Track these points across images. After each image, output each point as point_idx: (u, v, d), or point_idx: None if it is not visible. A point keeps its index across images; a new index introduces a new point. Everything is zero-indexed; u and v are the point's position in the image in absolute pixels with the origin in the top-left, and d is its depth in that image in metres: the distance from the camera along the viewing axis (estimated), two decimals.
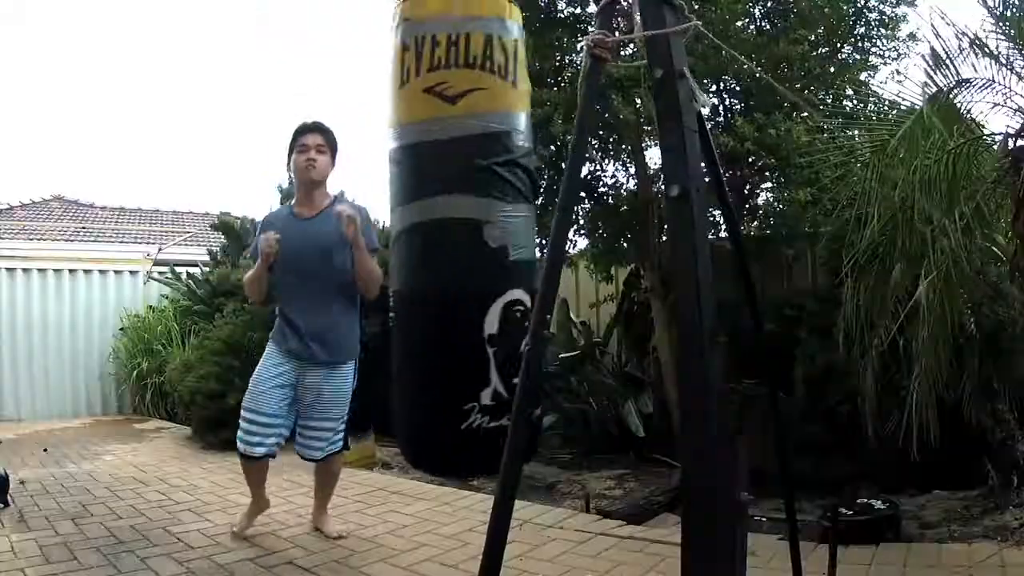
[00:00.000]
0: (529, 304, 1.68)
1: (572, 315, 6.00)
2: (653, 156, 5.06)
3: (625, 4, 1.53)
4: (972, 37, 3.03)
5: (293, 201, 3.08)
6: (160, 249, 9.33)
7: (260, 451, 2.97)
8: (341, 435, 3.08)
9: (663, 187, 1.48)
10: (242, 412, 3.00)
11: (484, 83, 1.68)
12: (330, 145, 2.98)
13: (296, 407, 3.03)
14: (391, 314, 1.92)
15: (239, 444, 2.99)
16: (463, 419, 1.64)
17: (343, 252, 2.86)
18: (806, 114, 4.56)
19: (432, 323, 1.74)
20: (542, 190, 5.12)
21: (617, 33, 1.52)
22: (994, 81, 3.01)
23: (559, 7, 4.98)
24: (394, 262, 1.89)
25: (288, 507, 3.69)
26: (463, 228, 1.68)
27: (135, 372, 7.72)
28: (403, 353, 1.85)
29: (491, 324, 1.66)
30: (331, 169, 3.03)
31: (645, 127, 4.58)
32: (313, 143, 2.93)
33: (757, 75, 3.99)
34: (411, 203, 1.74)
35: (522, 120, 1.75)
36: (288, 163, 3.02)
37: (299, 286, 2.94)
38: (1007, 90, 3.00)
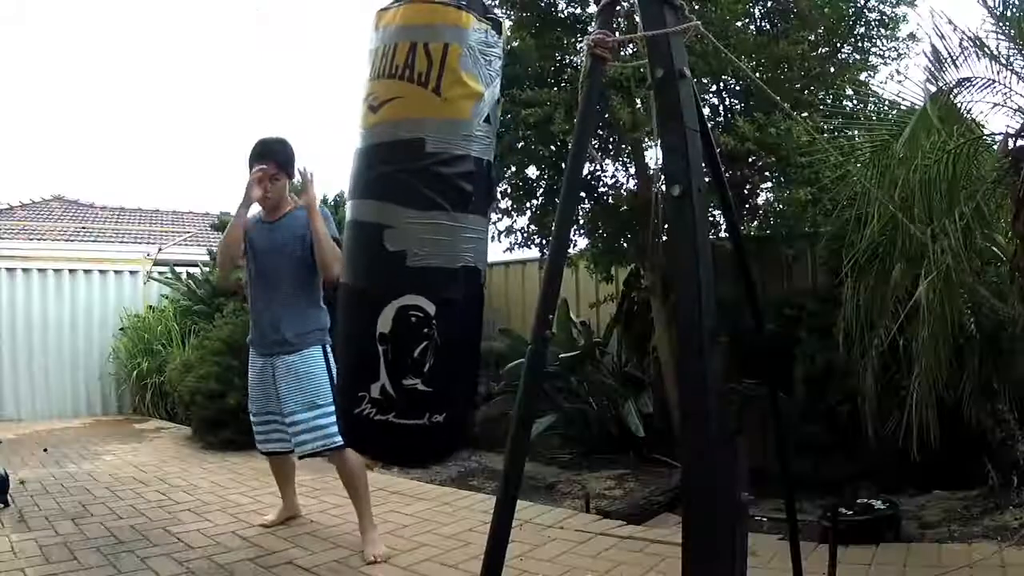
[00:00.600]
0: (432, 311, 1.72)
1: (572, 315, 6.00)
2: (653, 156, 5.06)
3: (626, 4, 1.53)
4: (972, 37, 3.03)
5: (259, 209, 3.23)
6: (160, 249, 9.33)
7: (266, 448, 3.25)
8: (333, 427, 2.88)
9: (663, 187, 1.48)
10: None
11: (402, 92, 1.73)
12: (281, 166, 3.09)
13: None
14: None
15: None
16: (356, 405, 1.76)
17: (302, 248, 3.03)
18: (806, 114, 4.56)
19: (341, 316, 1.91)
20: (542, 190, 5.13)
21: (617, 33, 1.52)
22: (994, 81, 3.01)
23: (559, 7, 4.97)
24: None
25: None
26: (367, 231, 1.76)
27: (135, 372, 7.72)
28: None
29: (383, 324, 1.74)
30: (286, 184, 3.18)
31: (645, 128, 4.58)
32: (266, 175, 3.04)
33: (754, 77, 3.99)
34: (347, 203, 1.89)
35: (447, 127, 1.73)
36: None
37: (261, 284, 3.13)
38: (1007, 90, 3.00)
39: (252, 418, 3.22)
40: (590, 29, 1.55)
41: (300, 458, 3.14)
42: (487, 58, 1.74)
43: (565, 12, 4.97)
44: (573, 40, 4.79)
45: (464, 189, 1.72)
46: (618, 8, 1.55)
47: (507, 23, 4.86)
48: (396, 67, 1.72)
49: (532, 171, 5.16)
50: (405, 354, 1.72)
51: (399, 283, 1.73)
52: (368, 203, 1.77)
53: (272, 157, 3.06)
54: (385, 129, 1.75)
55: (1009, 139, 2.97)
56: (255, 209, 3.17)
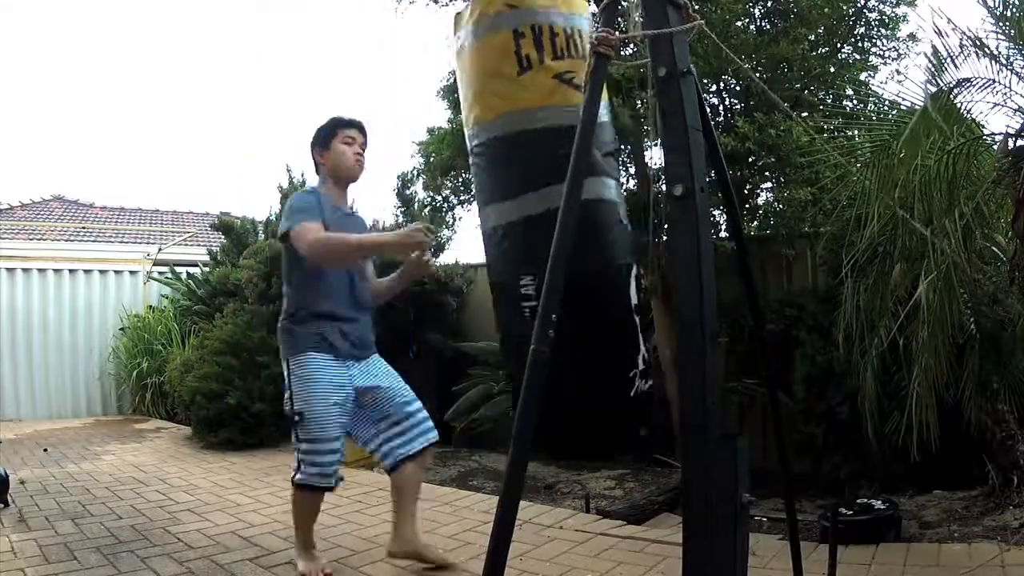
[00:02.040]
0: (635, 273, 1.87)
1: None
2: (654, 155, 5.07)
3: (628, 3, 1.53)
4: (972, 37, 3.04)
5: (323, 191, 2.71)
6: (160, 249, 9.33)
7: (335, 481, 2.65)
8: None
9: (664, 186, 1.48)
10: (306, 444, 2.55)
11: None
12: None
13: (363, 416, 2.70)
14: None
15: (314, 479, 2.58)
16: (630, 386, 1.77)
17: None
18: (806, 114, 4.56)
19: (589, 302, 1.76)
20: None
21: (619, 32, 1.52)
22: (994, 81, 3.01)
23: None
24: (516, 253, 1.86)
25: (288, 507, 3.68)
26: (607, 208, 1.83)
27: (135, 372, 7.73)
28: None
29: (633, 295, 1.86)
30: None
31: (645, 127, 4.57)
32: (360, 139, 2.71)
33: (755, 78, 3.99)
34: (553, 184, 1.69)
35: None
36: (320, 151, 2.70)
37: (347, 282, 2.66)
38: (1007, 90, 3.00)
39: (332, 444, 2.57)
40: (592, 28, 1.55)
41: (415, 456, 2.67)
42: (461, 62, 1.91)
43: None
44: None
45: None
46: (620, 7, 1.55)
47: None
48: (584, 52, 1.75)
49: None
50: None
51: (633, 252, 1.90)
52: (599, 180, 1.80)
53: (365, 132, 2.75)
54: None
55: (1009, 139, 2.97)
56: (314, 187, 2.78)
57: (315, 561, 2.71)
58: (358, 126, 2.72)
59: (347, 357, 2.61)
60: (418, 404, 2.75)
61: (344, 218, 2.69)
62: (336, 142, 2.67)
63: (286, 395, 2.61)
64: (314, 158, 2.74)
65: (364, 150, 2.74)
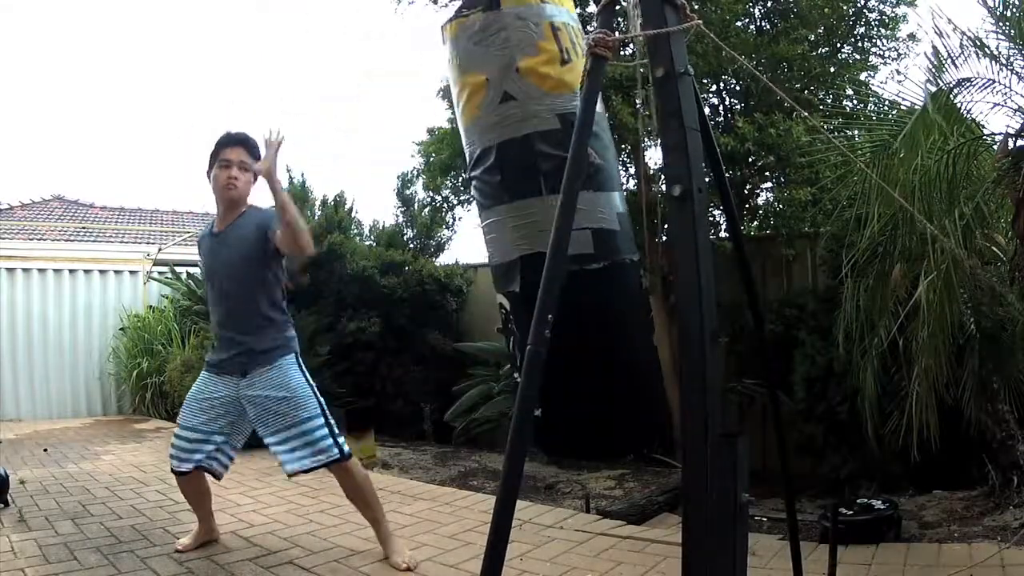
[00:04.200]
0: (508, 306, 1.88)
1: None
2: (653, 156, 5.06)
3: (626, 3, 1.53)
4: (972, 37, 3.03)
5: (215, 215, 2.91)
6: (160, 249, 9.32)
7: (184, 467, 2.85)
8: (328, 440, 2.72)
9: (663, 187, 1.48)
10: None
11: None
12: (256, 160, 2.72)
13: (241, 427, 2.91)
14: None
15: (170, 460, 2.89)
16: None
17: (259, 251, 2.72)
18: (806, 114, 4.56)
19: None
20: None
21: (618, 32, 1.52)
22: (994, 81, 3.01)
23: None
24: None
25: (288, 507, 3.70)
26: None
27: (135, 372, 7.72)
28: None
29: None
30: (252, 187, 2.84)
31: (646, 127, 4.58)
32: (236, 159, 2.73)
33: (757, 75, 3.99)
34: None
35: (469, 133, 1.92)
36: (208, 174, 2.81)
37: (218, 300, 2.83)
38: (1007, 90, 3.00)
39: (180, 431, 2.90)
40: (590, 28, 1.55)
41: (291, 474, 2.79)
42: (488, 39, 1.76)
43: None
44: None
45: (496, 182, 1.81)
46: (618, 7, 1.55)
47: None
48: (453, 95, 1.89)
49: None
50: (511, 349, 1.91)
51: (496, 286, 1.94)
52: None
53: (246, 146, 2.74)
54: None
55: (1009, 139, 2.97)
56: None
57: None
58: (235, 143, 2.76)
59: (219, 369, 2.86)
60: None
61: (209, 243, 2.88)
62: (214, 167, 2.78)
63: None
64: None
65: (244, 169, 2.76)
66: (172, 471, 2.91)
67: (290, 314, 2.96)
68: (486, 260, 2.08)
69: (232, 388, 2.81)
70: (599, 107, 1.80)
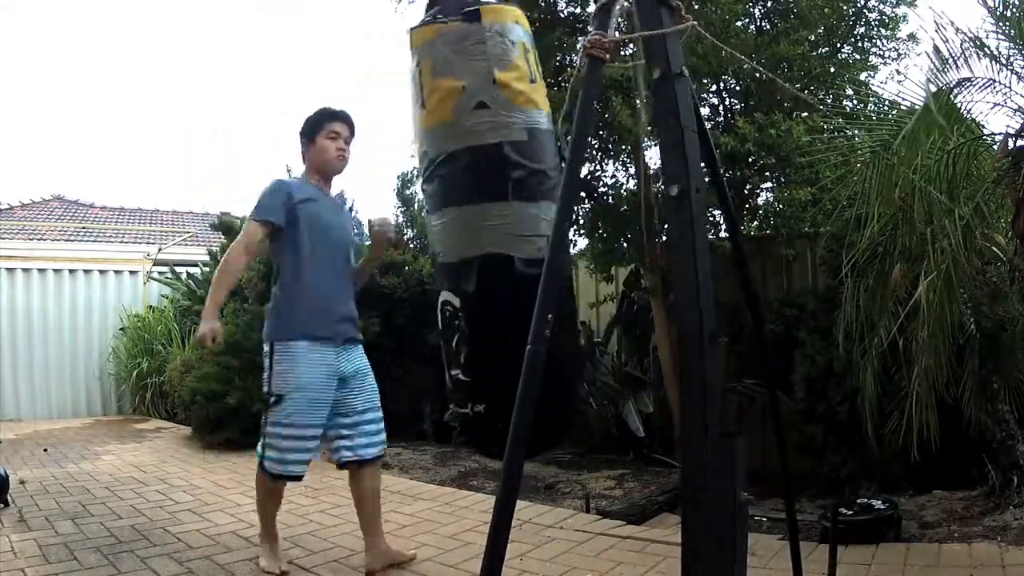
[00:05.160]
0: (457, 304, 1.90)
1: None
2: (653, 156, 5.06)
3: (623, 4, 1.53)
4: (972, 37, 3.03)
5: (304, 180, 2.82)
6: (160, 249, 9.33)
7: (303, 469, 2.67)
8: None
9: (663, 187, 1.48)
10: (280, 428, 2.59)
11: (414, 116, 1.97)
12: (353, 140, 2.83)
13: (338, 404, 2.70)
14: None
15: (278, 466, 2.61)
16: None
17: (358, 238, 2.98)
18: (806, 114, 4.55)
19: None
20: None
21: (616, 33, 1.52)
22: (994, 81, 3.01)
23: (559, 7, 4.97)
24: None
25: (288, 507, 3.68)
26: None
27: (135, 372, 7.73)
28: None
29: (440, 321, 1.99)
30: None
31: (645, 127, 4.58)
32: (344, 133, 2.77)
33: (758, 74, 3.98)
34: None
35: (435, 132, 1.91)
36: (307, 141, 2.76)
37: (331, 261, 2.71)
38: (1007, 90, 3.00)
39: (310, 432, 2.61)
40: (588, 29, 1.55)
41: (363, 462, 2.70)
42: (467, 48, 1.82)
43: (565, 12, 4.97)
44: (573, 40, 4.79)
45: (463, 183, 1.84)
46: (616, 8, 1.55)
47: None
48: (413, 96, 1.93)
49: None
50: (448, 346, 1.93)
51: (439, 281, 2.00)
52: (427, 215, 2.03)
53: (352, 125, 2.81)
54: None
55: (1009, 139, 2.97)
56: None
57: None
58: (345, 119, 2.78)
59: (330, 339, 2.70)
60: None
61: (314, 205, 2.70)
62: (321, 136, 2.75)
63: None
64: (301, 147, 2.81)
65: (348, 144, 2.81)
66: (294, 477, 2.67)
67: None
68: None
69: (333, 357, 2.67)
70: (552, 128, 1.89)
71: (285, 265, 2.69)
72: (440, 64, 1.83)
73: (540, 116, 1.86)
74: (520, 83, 1.82)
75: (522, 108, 1.82)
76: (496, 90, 1.80)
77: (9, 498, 3.74)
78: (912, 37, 4.93)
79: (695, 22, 1.51)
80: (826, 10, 4.74)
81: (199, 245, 9.64)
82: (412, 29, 1.91)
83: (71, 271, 8.38)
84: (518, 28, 1.88)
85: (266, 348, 2.67)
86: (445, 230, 1.91)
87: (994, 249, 3.36)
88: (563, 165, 1.52)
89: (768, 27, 4.96)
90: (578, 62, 1.57)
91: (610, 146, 5.05)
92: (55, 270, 8.28)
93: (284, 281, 2.68)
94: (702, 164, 1.54)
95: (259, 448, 2.68)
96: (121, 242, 10.09)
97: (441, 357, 1.98)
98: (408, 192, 9.30)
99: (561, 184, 1.46)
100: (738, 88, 4.97)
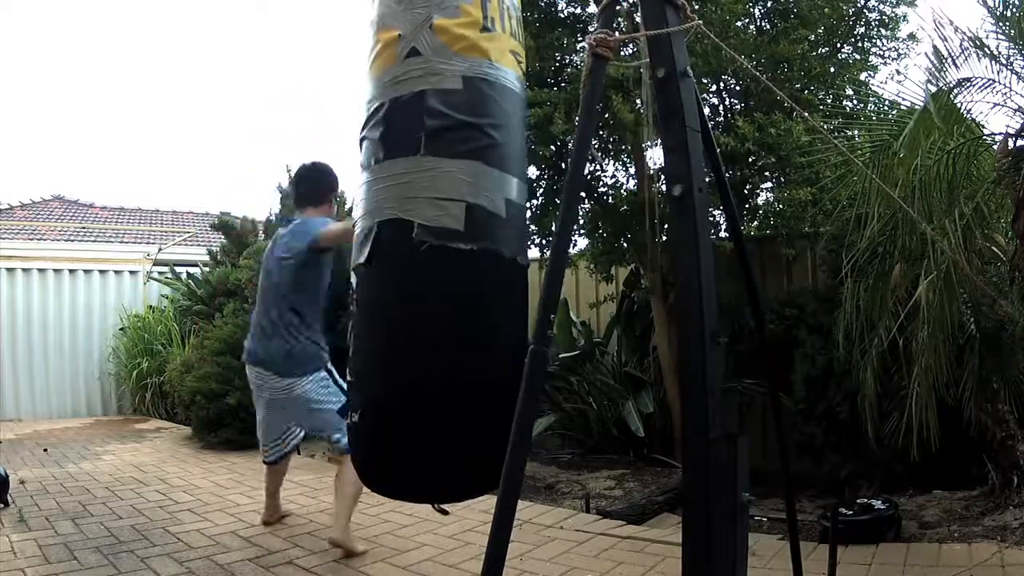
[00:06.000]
0: (355, 280, 1.66)
1: (572, 315, 6.00)
2: (653, 156, 5.06)
3: (627, 3, 1.53)
4: (972, 37, 3.03)
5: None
6: (160, 249, 9.33)
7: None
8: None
9: (663, 186, 1.48)
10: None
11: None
12: None
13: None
14: None
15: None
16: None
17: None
18: (806, 114, 4.55)
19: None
20: (542, 190, 5.13)
21: (619, 32, 1.52)
22: (994, 81, 3.01)
23: (559, 7, 4.97)
24: None
25: (287, 507, 3.69)
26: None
27: (135, 372, 7.72)
28: None
29: None
30: None
31: (645, 128, 4.57)
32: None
33: (757, 76, 3.98)
34: None
35: (373, 84, 1.70)
36: (330, 201, 3.30)
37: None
38: (1007, 90, 3.00)
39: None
40: (591, 29, 1.55)
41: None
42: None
43: (565, 12, 4.97)
44: (573, 40, 4.79)
45: (374, 141, 1.63)
46: (619, 7, 1.55)
47: None
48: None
49: (532, 171, 5.16)
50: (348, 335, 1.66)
51: (350, 261, 1.69)
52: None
53: None
54: None
55: (1009, 139, 2.97)
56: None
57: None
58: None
59: None
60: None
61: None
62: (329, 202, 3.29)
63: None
64: (323, 195, 3.24)
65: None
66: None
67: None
68: None
69: None
70: (518, 89, 1.68)
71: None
72: (382, 15, 1.67)
73: (487, 66, 1.61)
74: (466, 29, 1.60)
75: (461, 55, 1.59)
76: (431, 35, 1.59)
77: (9, 498, 3.74)
78: (912, 37, 4.93)
79: (700, 21, 1.50)
80: (826, 10, 4.74)
81: (199, 245, 9.63)
82: None
83: (71, 271, 8.37)
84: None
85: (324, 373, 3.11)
86: (358, 199, 1.69)
87: (994, 249, 3.36)
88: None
89: (768, 27, 4.96)
90: (582, 61, 1.56)
91: (610, 146, 5.05)
92: (55, 270, 8.28)
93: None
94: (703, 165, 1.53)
95: (345, 444, 2.94)
96: (121, 242, 10.08)
97: None
98: None
99: (564, 184, 1.45)
100: (738, 88, 4.97)
